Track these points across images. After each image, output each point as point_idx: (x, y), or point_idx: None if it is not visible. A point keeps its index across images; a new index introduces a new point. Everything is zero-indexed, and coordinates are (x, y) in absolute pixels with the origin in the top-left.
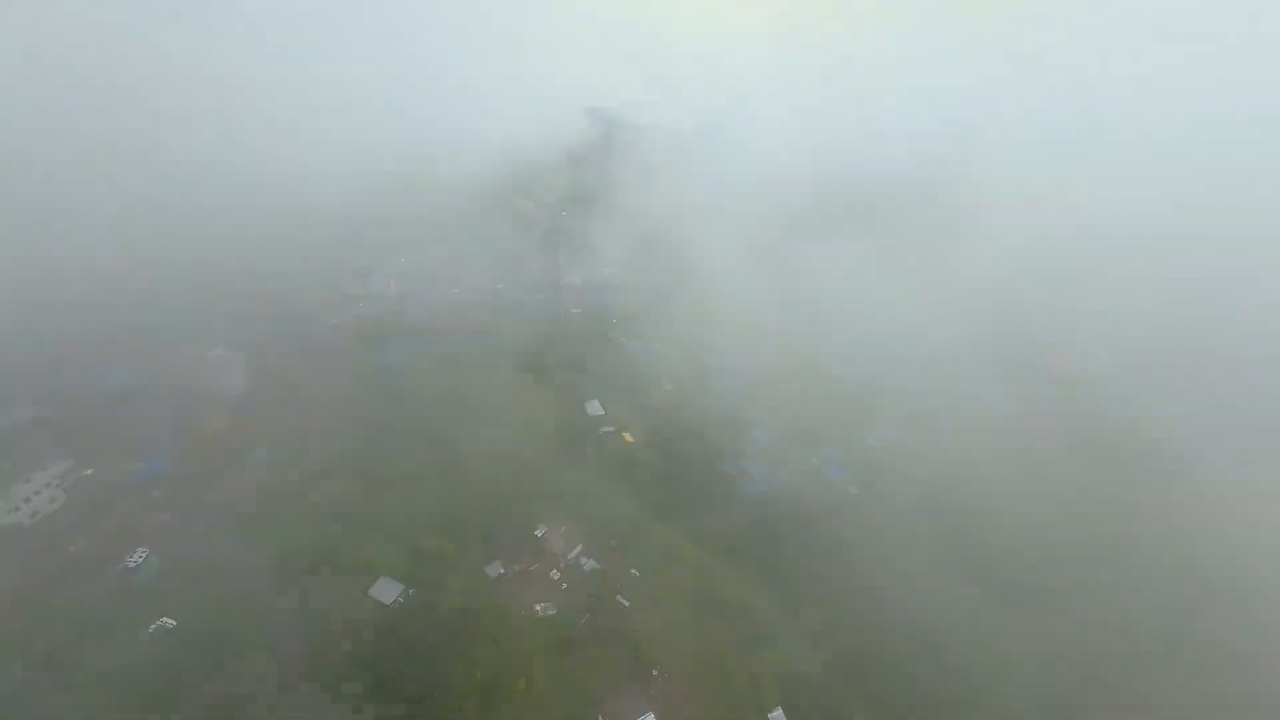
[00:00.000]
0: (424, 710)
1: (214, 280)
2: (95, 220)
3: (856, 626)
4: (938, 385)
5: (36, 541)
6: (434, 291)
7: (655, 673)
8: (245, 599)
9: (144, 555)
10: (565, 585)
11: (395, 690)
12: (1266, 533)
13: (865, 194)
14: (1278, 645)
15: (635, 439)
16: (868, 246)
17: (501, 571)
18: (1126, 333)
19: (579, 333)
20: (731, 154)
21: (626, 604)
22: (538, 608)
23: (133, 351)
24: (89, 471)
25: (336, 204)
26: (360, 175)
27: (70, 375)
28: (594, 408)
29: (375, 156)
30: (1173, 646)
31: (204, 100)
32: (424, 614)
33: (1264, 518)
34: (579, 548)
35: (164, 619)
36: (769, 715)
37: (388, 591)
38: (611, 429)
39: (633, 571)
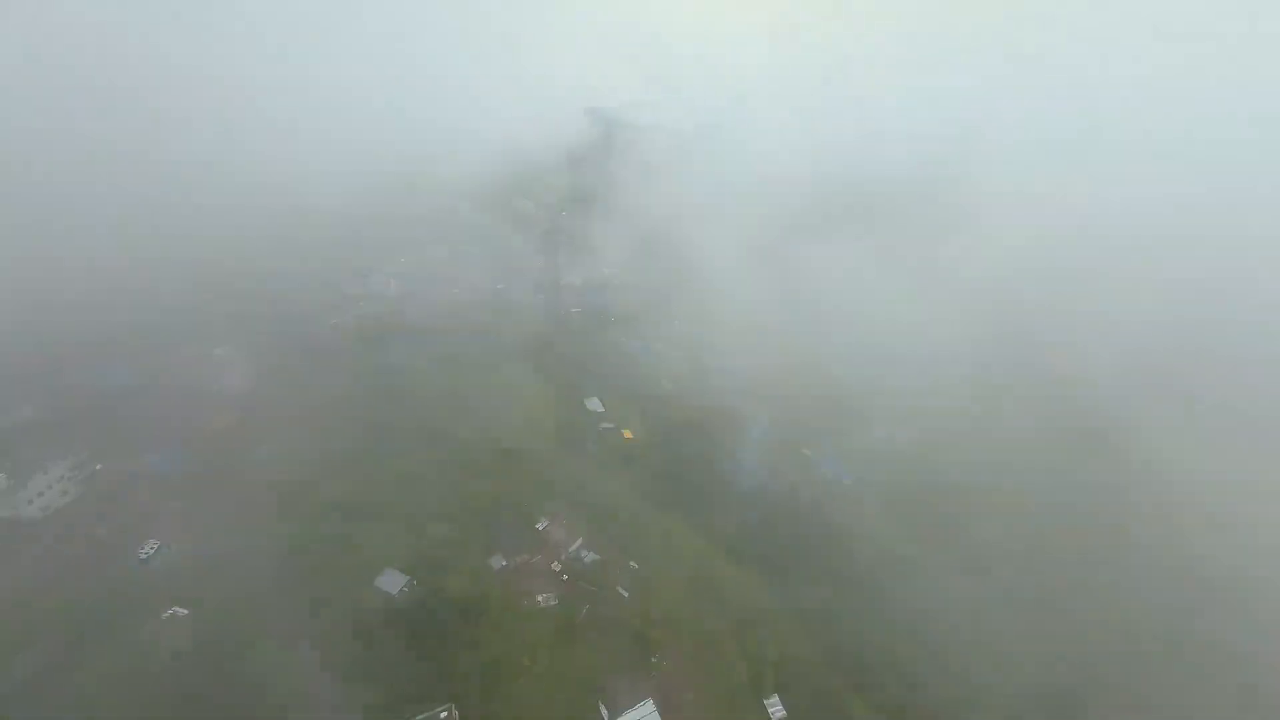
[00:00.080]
0: (430, 695)
1: (215, 280)
2: (96, 221)
3: (852, 616)
4: (935, 383)
5: (50, 533)
6: (434, 291)
7: (654, 660)
8: (254, 588)
9: (155, 546)
10: (566, 576)
11: (402, 675)
12: (1266, 533)
13: (865, 194)
14: (1275, 644)
15: (635, 435)
16: (867, 246)
17: (504, 563)
18: (1125, 332)
19: (579, 332)
20: (731, 154)
21: (626, 594)
22: (540, 598)
23: (136, 351)
24: (98, 467)
25: (336, 204)
26: (360, 175)
27: (75, 374)
28: (594, 404)
29: (375, 156)
30: (1172, 645)
31: (204, 100)
32: (429, 603)
33: (1263, 517)
34: (579, 540)
35: (175, 608)
36: (765, 701)
37: (393, 582)
38: (611, 425)
39: (632, 563)
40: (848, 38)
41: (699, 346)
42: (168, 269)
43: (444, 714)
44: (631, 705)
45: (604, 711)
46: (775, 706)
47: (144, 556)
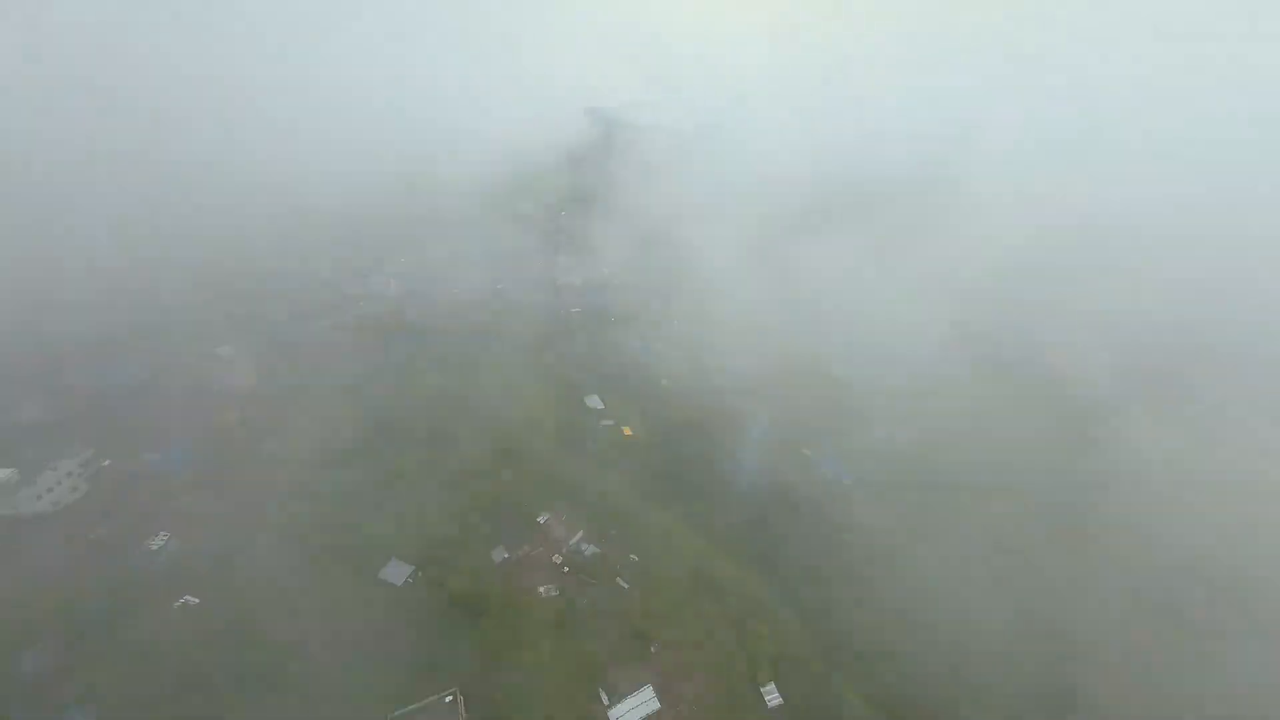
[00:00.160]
0: (434, 682)
1: (216, 281)
2: (97, 221)
3: (848, 610)
4: (935, 383)
5: (61, 528)
6: (434, 291)
7: (653, 649)
8: (262, 579)
9: (165, 539)
10: (567, 568)
11: (407, 662)
12: (1265, 531)
13: (865, 193)
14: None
15: (635, 432)
16: (867, 245)
17: (506, 556)
18: (1124, 331)
19: (579, 331)
20: (731, 154)
21: (626, 586)
22: (541, 589)
23: (139, 350)
24: (106, 462)
25: (337, 204)
26: (361, 175)
27: (80, 373)
28: (594, 402)
29: (375, 157)
30: (1168, 640)
31: (205, 100)
32: (433, 594)
33: (1262, 516)
34: (580, 534)
35: (187, 597)
36: (762, 689)
37: (398, 573)
38: (611, 423)
39: (632, 556)
40: (848, 38)
41: (698, 346)
42: (169, 269)
43: (449, 698)
44: (631, 691)
45: (604, 697)
46: (772, 694)
47: (154, 548)
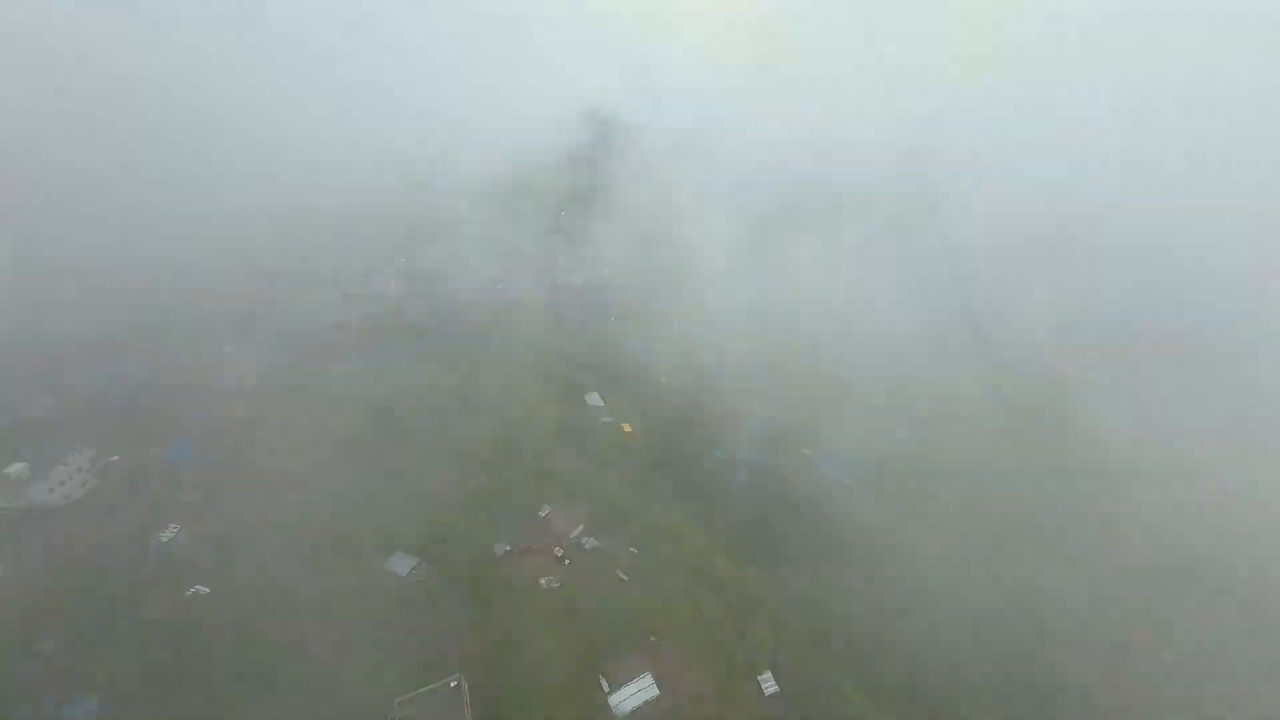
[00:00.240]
0: (439, 667)
1: (219, 281)
2: (101, 222)
3: (843, 602)
4: (934, 380)
5: (73, 520)
6: (434, 291)
7: (652, 639)
8: (270, 569)
9: (175, 531)
10: (568, 561)
11: (412, 649)
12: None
13: (864, 192)
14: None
15: (634, 429)
16: (864, 244)
17: (508, 549)
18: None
19: (579, 330)
20: (730, 153)
21: (625, 578)
22: (542, 581)
23: (145, 349)
24: (114, 458)
25: (337, 204)
26: (361, 175)
27: (87, 371)
28: (594, 399)
29: (376, 157)
30: (1154, 626)
31: (205, 100)
32: (436, 585)
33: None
34: (580, 528)
35: (198, 586)
36: (759, 677)
37: (402, 565)
38: (611, 419)
39: (631, 549)
40: (835, 45)
41: (697, 344)
42: (172, 269)
43: (453, 683)
44: (631, 679)
45: (604, 684)
46: (768, 682)
47: (164, 540)
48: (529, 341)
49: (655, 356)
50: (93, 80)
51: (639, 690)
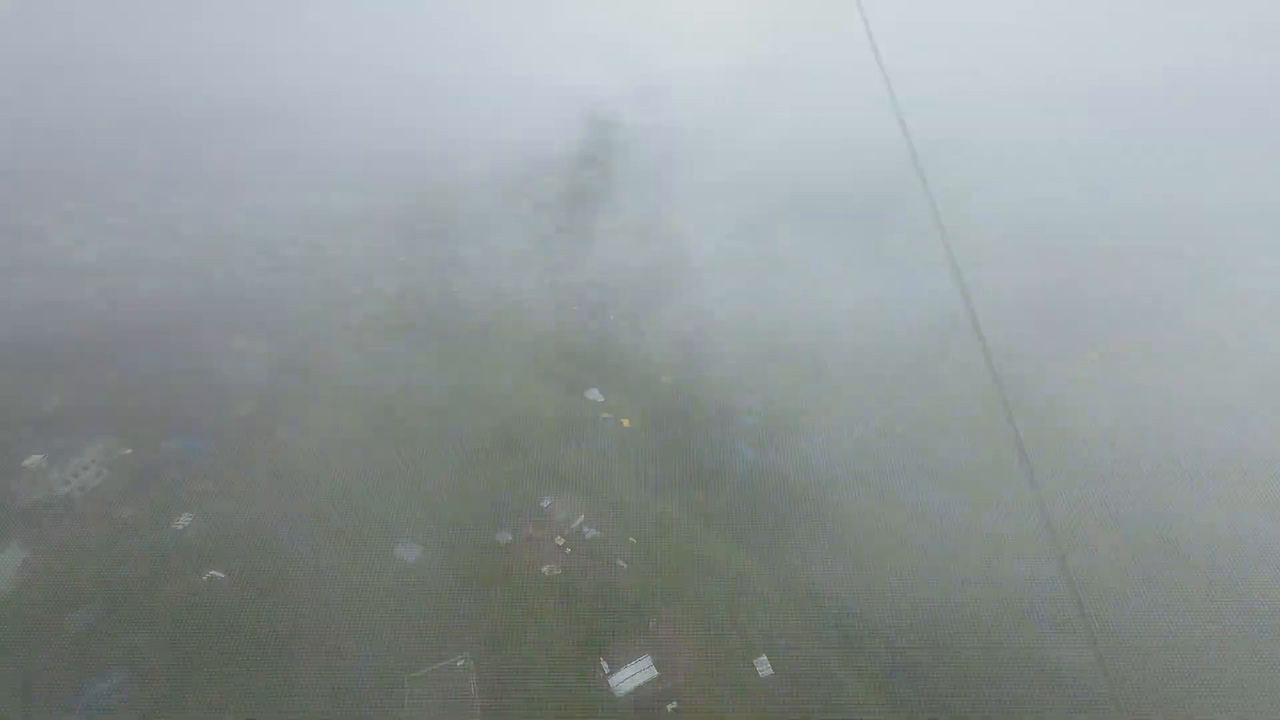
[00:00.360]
0: (446, 648)
1: (220, 281)
2: (105, 222)
3: (835, 588)
4: (933, 379)
5: (89, 509)
6: (434, 290)
7: (652, 624)
8: (283, 555)
9: (189, 519)
10: (569, 550)
11: (419, 632)
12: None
13: (862, 191)
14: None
15: (633, 423)
16: (862, 243)
17: (510, 538)
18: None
19: (579, 328)
20: (729, 153)
21: (625, 566)
22: (544, 569)
23: (155, 344)
24: (128, 451)
25: (337, 202)
26: (362, 175)
27: (98, 366)
28: (594, 395)
29: (377, 157)
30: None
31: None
32: (442, 572)
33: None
34: (581, 518)
35: (213, 571)
36: (755, 661)
37: (409, 551)
38: (610, 415)
39: (631, 539)
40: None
41: (696, 342)
42: (173, 270)
43: (460, 663)
44: (630, 661)
45: (605, 666)
46: (763, 665)
47: (180, 528)
48: (530, 340)
49: (655, 353)
50: (102, 69)
51: (638, 672)
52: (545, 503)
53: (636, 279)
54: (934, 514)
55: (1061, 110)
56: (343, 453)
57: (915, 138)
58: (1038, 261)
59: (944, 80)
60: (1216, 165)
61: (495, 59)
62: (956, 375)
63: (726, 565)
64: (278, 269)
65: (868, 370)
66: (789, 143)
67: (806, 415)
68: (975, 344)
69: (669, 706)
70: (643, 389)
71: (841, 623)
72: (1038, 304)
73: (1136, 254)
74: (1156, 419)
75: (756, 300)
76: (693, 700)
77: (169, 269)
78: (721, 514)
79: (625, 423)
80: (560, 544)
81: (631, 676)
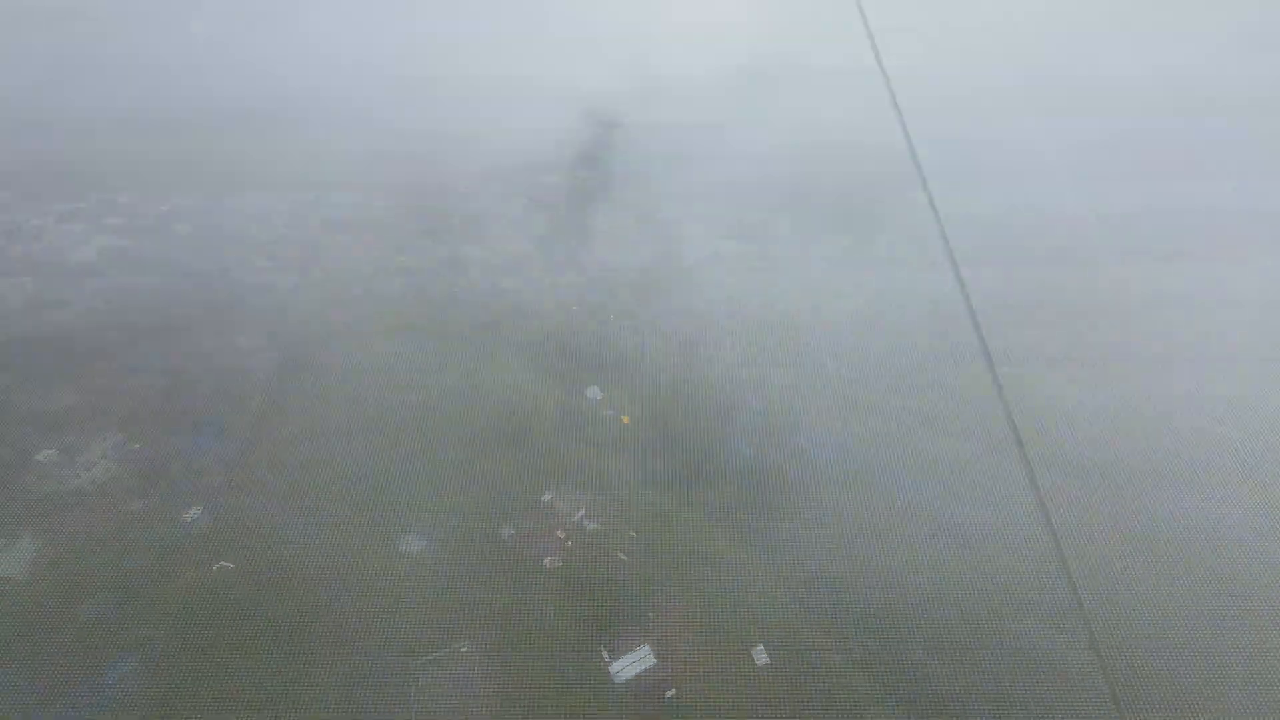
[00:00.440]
0: (450, 635)
1: (221, 280)
2: (106, 222)
3: (834, 586)
4: (932, 376)
5: (99, 503)
6: (434, 290)
7: (651, 614)
8: (292, 546)
9: (198, 512)
10: (570, 543)
11: (423, 620)
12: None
13: (862, 191)
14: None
15: (633, 420)
16: (862, 242)
17: (511, 532)
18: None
19: (579, 327)
20: (730, 153)
21: (625, 558)
22: (545, 561)
23: (160, 343)
24: (136, 446)
25: (338, 200)
26: (362, 175)
27: (105, 363)
28: (594, 393)
29: (378, 158)
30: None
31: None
32: (445, 563)
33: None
34: (581, 512)
35: (223, 562)
36: (752, 650)
37: (413, 544)
38: (611, 412)
39: (631, 532)
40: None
41: (696, 340)
42: (174, 269)
43: (464, 648)
44: (629, 650)
45: (605, 654)
46: (761, 654)
47: (188, 520)
48: (530, 339)
49: (654, 351)
50: (107, 65)
51: (637, 659)
52: (546, 497)
53: (636, 278)
54: (931, 511)
55: (1061, 110)
56: (346, 449)
57: (915, 137)
58: (1038, 261)
59: (944, 80)
60: (1216, 165)
61: (495, 59)
62: (956, 375)
63: (725, 556)
64: (278, 269)
65: (867, 369)
66: (789, 142)
67: (805, 413)
68: (975, 344)
69: (667, 693)
70: (642, 387)
71: (836, 614)
72: (1038, 303)
73: (1137, 254)
74: (1157, 419)
75: (756, 299)
76: (690, 687)
77: (169, 269)
78: (720, 508)
79: (625, 420)
80: (561, 537)
81: (631, 665)
